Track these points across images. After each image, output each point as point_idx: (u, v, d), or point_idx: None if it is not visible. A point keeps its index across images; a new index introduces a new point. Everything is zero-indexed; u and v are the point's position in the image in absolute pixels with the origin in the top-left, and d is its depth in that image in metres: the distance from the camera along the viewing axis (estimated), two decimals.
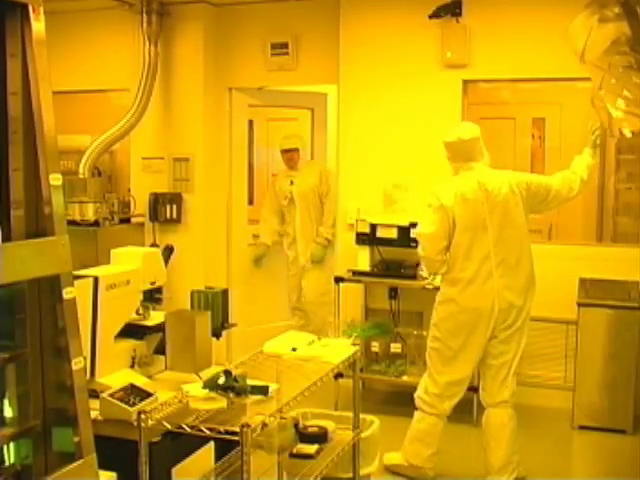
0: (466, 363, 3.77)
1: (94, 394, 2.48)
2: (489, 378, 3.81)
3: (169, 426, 2.26)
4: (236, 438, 2.13)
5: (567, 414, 4.69)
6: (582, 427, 4.65)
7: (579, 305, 4.62)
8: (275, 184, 5.91)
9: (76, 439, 1.78)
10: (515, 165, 6.68)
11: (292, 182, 5.76)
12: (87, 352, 2.60)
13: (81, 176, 5.35)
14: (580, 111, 6.35)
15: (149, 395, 2.51)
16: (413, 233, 3.90)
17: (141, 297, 2.96)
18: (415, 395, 3.89)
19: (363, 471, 3.15)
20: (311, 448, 2.85)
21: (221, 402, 2.31)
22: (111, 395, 2.46)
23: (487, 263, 3.68)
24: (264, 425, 2.21)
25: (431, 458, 3.86)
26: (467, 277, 3.68)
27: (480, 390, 3.89)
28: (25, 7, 1.71)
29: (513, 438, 3.78)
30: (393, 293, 5.18)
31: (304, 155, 6.09)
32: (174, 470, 2.52)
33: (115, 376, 2.71)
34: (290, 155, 5.73)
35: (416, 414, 3.88)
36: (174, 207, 5.79)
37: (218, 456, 2.65)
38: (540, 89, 6.17)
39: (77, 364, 1.79)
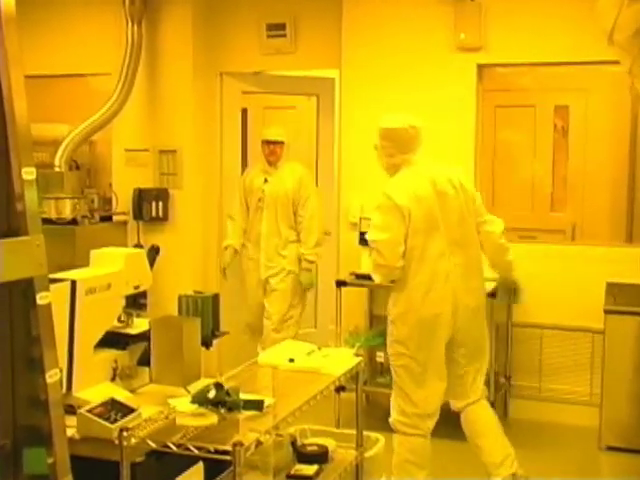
0: (437, 374, 3.75)
1: (71, 410, 2.48)
2: (459, 387, 3.85)
3: (154, 445, 2.26)
4: (228, 458, 2.12)
5: (593, 433, 4.67)
6: (610, 448, 4.61)
7: (606, 312, 4.61)
8: (245, 178, 5.62)
9: (50, 460, 1.77)
10: (535, 158, 6.72)
11: (266, 180, 5.46)
12: (63, 363, 2.59)
13: (57, 169, 5.35)
14: (608, 98, 6.38)
15: (132, 411, 2.51)
16: (370, 242, 3.71)
17: (123, 303, 2.96)
18: (390, 420, 3.78)
19: None
20: (310, 469, 2.85)
21: (211, 418, 2.31)
22: (90, 411, 2.46)
23: (443, 265, 3.67)
24: (258, 443, 2.21)
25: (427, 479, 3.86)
26: (424, 281, 3.66)
27: (450, 400, 3.89)
28: None
29: (500, 429, 3.84)
30: None
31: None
32: None
33: (94, 390, 2.71)
34: (273, 148, 5.42)
35: (397, 439, 3.77)
36: (160, 204, 5.78)
37: (208, 478, 2.65)
38: (563, 74, 6.16)
39: (52, 377, 1.78)
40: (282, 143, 5.44)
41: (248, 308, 5.55)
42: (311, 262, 5.41)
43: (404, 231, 3.62)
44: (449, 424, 3.95)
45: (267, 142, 5.43)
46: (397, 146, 3.73)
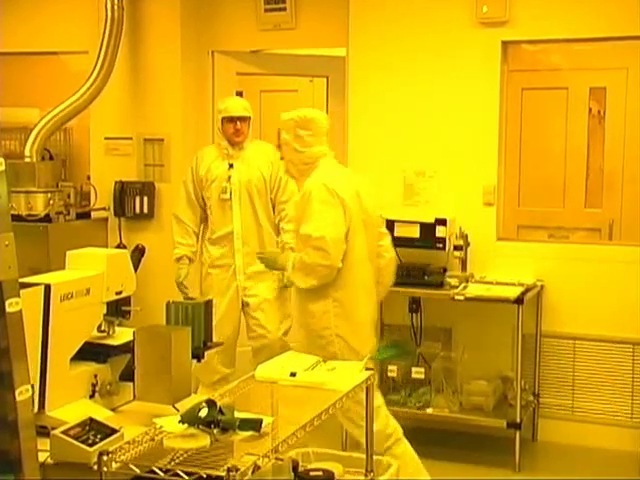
0: None
1: (43, 431, 2.48)
2: None
3: (138, 470, 2.25)
4: None
5: (634, 459, 4.68)
6: None
7: None
8: (197, 167, 5.11)
9: None
10: (567, 147, 6.70)
11: (232, 166, 5.02)
12: (36, 379, 2.59)
13: (28, 160, 5.36)
14: None
15: (113, 432, 2.51)
16: (314, 238, 3.73)
17: (104, 310, 2.96)
18: (383, 450, 3.75)
19: None
20: None
21: (203, 440, 2.31)
22: (65, 432, 2.46)
23: (368, 266, 3.92)
24: (256, 468, 2.21)
25: None
26: (368, 285, 3.94)
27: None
28: None
29: None
30: (414, 305, 5.18)
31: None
32: None
33: (70, 408, 2.71)
34: (240, 126, 4.98)
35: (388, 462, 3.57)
36: (145, 199, 5.79)
37: None
38: (600, 51, 6.15)
39: (22, 394, 1.78)
40: (249, 119, 5.04)
41: (225, 324, 4.93)
42: (290, 247, 4.84)
43: (346, 229, 3.80)
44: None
45: (230, 119, 4.98)
46: (317, 135, 3.93)
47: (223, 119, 5.02)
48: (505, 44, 5.17)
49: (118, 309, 3.05)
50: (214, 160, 5.08)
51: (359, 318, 3.88)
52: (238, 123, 4.98)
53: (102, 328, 3.00)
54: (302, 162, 3.93)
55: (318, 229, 3.73)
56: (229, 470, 2.10)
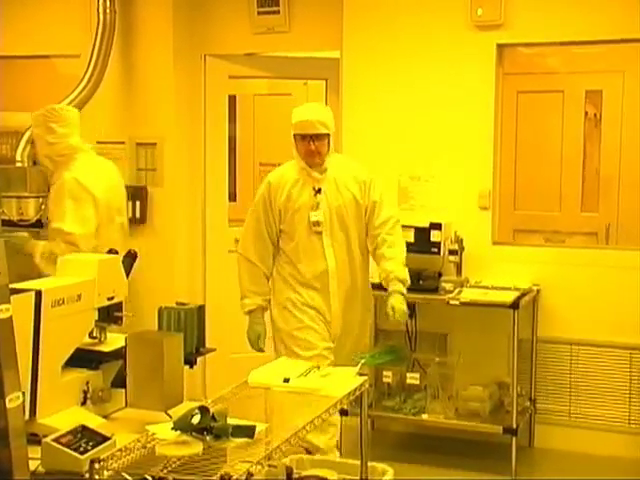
0: None
1: (34, 439, 2.48)
2: None
3: (130, 478, 2.25)
4: None
5: (633, 465, 4.69)
6: None
7: None
8: (274, 194, 4.28)
9: None
10: (563, 150, 6.71)
11: (319, 190, 4.23)
12: (26, 386, 2.59)
13: (19, 164, 5.34)
14: None
15: (105, 439, 2.50)
16: (64, 234, 4.23)
17: (96, 316, 2.96)
18: None
19: None
20: None
21: (196, 447, 2.31)
22: (56, 440, 2.45)
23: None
24: (249, 475, 2.21)
25: None
26: None
27: None
28: None
29: None
30: (409, 310, 5.17)
31: None
32: None
33: (62, 416, 2.70)
34: (318, 145, 4.17)
35: None
36: (137, 204, 5.78)
37: None
38: (596, 54, 6.17)
39: (13, 401, 1.78)
40: (328, 136, 4.21)
41: None
42: (404, 282, 4.32)
43: (97, 224, 4.30)
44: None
45: (304, 137, 4.18)
46: (69, 126, 4.37)
47: (297, 136, 4.20)
48: (500, 47, 5.18)
49: (110, 315, 3.05)
50: (294, 185, 4.26)
51: None
52: (311, 143, 4.16)
53: (94, 334, 3.00)
54: (58, 154, 4.29)
55: (69, 225, 4.16)
56: (222, 477, 2.11)
